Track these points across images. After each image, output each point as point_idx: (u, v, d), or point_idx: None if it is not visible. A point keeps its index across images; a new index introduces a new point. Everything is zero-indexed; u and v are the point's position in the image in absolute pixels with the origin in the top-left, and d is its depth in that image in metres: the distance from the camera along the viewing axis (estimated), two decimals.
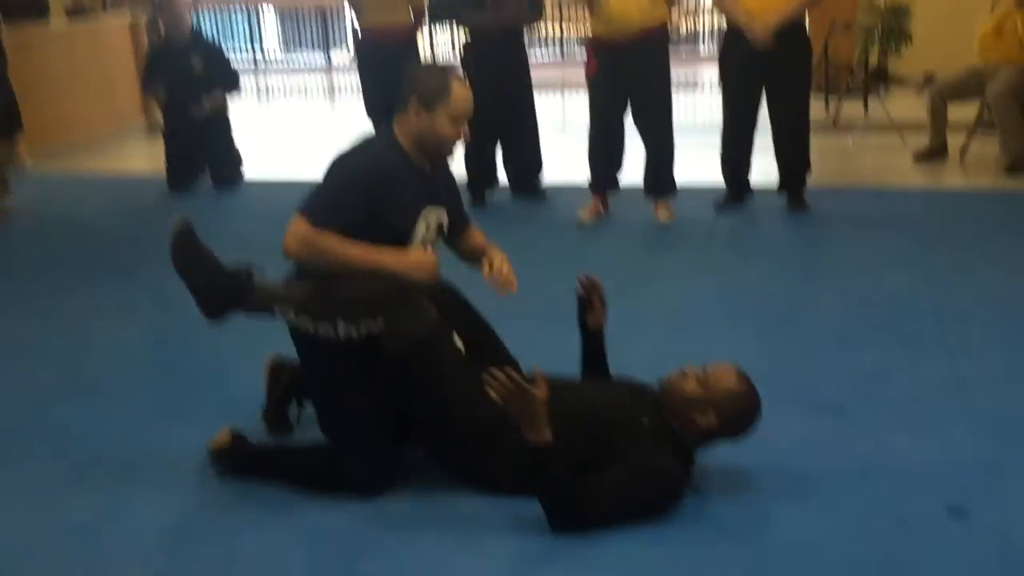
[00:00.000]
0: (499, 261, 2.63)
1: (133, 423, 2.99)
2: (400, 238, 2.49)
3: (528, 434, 2.25)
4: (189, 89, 5.94)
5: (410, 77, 2.54)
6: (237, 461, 2.64)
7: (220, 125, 6.15)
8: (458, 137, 2.54)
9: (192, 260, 2.55)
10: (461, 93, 2.50)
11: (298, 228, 2.40)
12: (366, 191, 2.43)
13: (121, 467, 2.72)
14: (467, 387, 2.44)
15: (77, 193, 6.28)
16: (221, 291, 2.53)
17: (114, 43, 7.95)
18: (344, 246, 2.40)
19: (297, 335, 2.53)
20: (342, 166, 2.50)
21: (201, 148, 6.13)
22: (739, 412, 2.41)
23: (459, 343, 2.53)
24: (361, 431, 2.51)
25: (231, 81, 6.16)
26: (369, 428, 2.52)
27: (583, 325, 2.79)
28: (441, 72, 2.53)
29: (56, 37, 7.44)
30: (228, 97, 6.15)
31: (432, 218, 2.59)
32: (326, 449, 2.58)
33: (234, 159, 6.27)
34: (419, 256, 2.49)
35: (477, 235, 2.77)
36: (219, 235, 5.05)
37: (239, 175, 6.27)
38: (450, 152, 2.63)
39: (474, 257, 2.73)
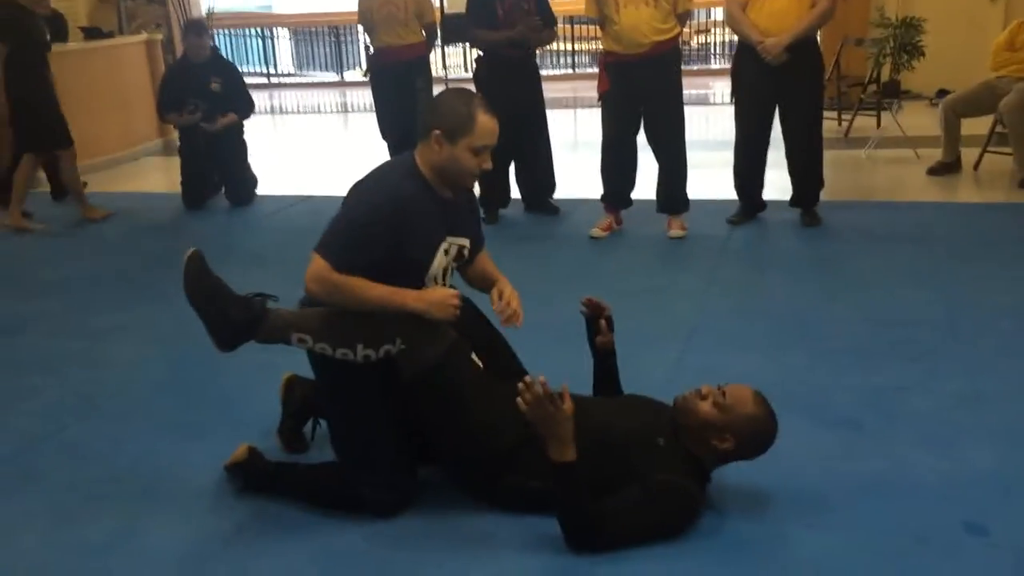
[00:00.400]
0: (508, 293, 2.61)
1: (150, 443, 3.00)
2: (417, 270, 2.48)
3: (553, 450, 2.25)
4: (206, 108, 6.02)
5: (434, 107, 2.49)
6: (252, 477, 2.64)
7: (235, 144, 6.23)
8: (480, 168, 2.50)
9: (205, 291, 2.53)
10: (486, 125, 2.44)
11: (319, 270, 2.38)
12: (384, 227, 2.40)
13: (138, 487, 2.73)
14: (487, 406, 2.44)
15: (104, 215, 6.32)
16: (234, 323, 2.51)
17: (130, 63, 8.04)
18: (365, 289, 2.38)
19: (314, 357, 2.54)
20: (360, 199, 2.47)
21: (216, 167, 6.20)
22: (757, 436, 2.40)
23: (477, 360, 2.53)
24: (376, 452, 2.51)
25: (246, 106, 6.26)
26: (384, 449, 2.52)
27: (592, 346, 2.78)
28: (466, 103, 2.45)
29: (73, 57, 7.51)
30: (242, 121, 6.24)
31: (453, 247, 2.58)
32: (341, 468, 2.58)
33: (249, 178, 6.35)
34: (440, 295, 2.44)
35: (487, 261, 2.75)
36: (234, 252, 5.14)
37: (253, 194, 6.33)
38: (471, 184, 2.61)
39: (482, 283, 2.72)
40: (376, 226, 2.40)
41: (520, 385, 2.26)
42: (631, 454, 2.37)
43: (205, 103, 6.03)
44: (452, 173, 2.49)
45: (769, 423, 2.40)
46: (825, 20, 4.87)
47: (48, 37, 5.81)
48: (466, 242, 2.64)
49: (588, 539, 2.29)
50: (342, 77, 13.74)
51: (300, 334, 2.46)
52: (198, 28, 6.14)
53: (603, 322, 2.75)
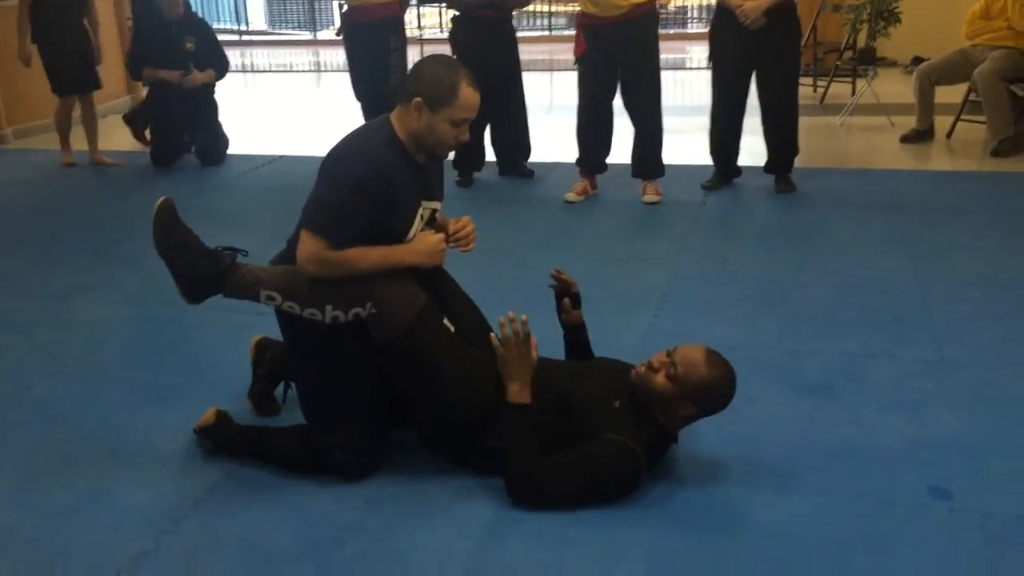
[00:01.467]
0: (466, 219, 2.61)
1: (118, 404, 2.97)
2: (397, 238, 2.46)
3: (512, 391, 2.36)
4: (181, 68, 5.92)
5: (417, 73, 2.44)
6: (221, 439, 2.63)
7: (207, 103, 6.13)
8: (457, 139, 2.47)
9: (174, 242, 2.52)
10: (468, 97, 2.40)
11: (314, 249, 2.36)
12: (371, 200, 2.37)
13: (106, 448, 2.71)
14: (459, 370, 2.44)
15: (60, 170, 6.23)
16: (203, 275, 2.50)
17: (102, 19, 7.84)
18: (362, 259, 2.38)
19: (282, 316, 2.52)
20: (341, 171, 2.40)
21: (187, 126, 6.11)
22: (717, 396, 2.40)
23: (449, 325, 2.52)
24: (345, 414, 2.50)
25: (221, 66, 6.15)
26: (353, 411, 2.51)
27: (560, 320, 2.78)
28: (450, 73, 2.40)
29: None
30: (218, 80, 6.14)
31: (427, 212, 2.56)
32: (310, 430, 2.57)
33: (220, 138, 6.27)
34: (429, 243, 2.47)
35: (440, 216, 2.75)
36: (204, 211, 5.08)
37: (224, 154, 6.25)
38: (446, 154, 2.58)
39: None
40: (363, 199, 2.36)
41: (502, 318, 2.39)
42: (586, 415, 2.39)
43: (179, 63, 5.91)
44: (429, 142, 2.46)
45: (725, 380, 2.39)
46: None
47: None
48: (438, 205, 2.62)
49: (530, 489, 2.32)
50: (315, 35, 13.54)
51: (268, 291, 2.45)
52: None
53: (567, 300, 2.75)
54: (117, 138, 6.78)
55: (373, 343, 2.42)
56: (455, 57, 5.32)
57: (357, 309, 2.38)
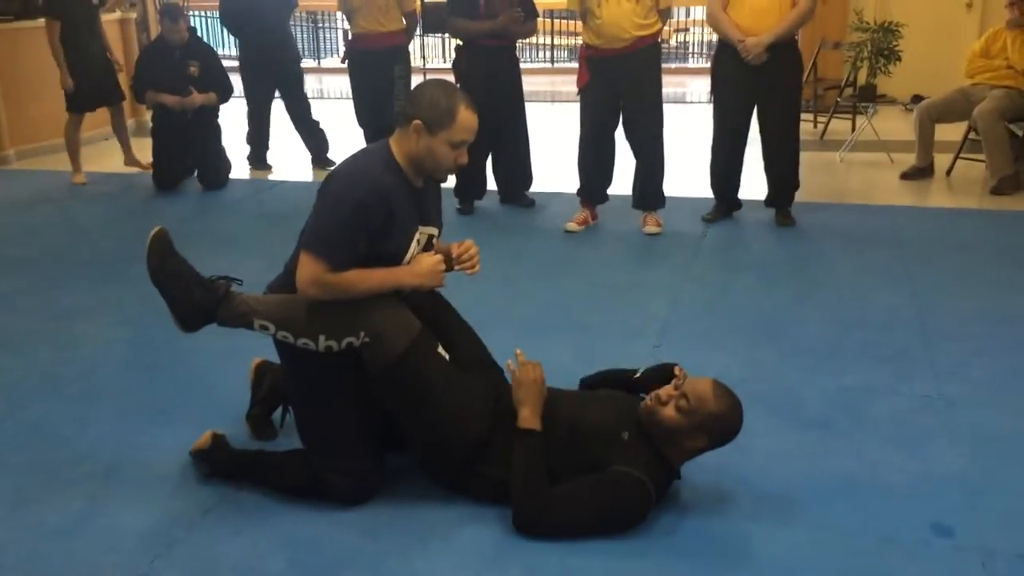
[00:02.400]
0: (469, 242, 2.61)
1: (115, 425, 2.96)
2: (393, 261, 2.46)
3: (523, 417, 2.37)
4: (184, 92, 5.95)
5: (416, 96, 2.44)
6: (217, 463, 2.62)
7: (209, 126, 6.16)
8: (456, 162, 2.47)
9: (168, 271, 2.52)
10: (466, 120, 2.41)
11: (313, 272, 2.36)
12: (369, 223, 2.37)
13: (102, 469, 2.69)
14: (455, 398, 2.43)
15: (64, 191, 6.24)
16: (197, 304, 2.51)
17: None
18: (361, 281, 2.38)
19: (279, 342, 2.51)
20: (341, 194, 2.40)
21: (189, 149, 6.13)
22: (726, 429, 2.40)
23: (443, 353, 2.50)
24: (342, 440, 2.49)
25: (224, 89, 6.18)
26: (350, 437, 2.49)
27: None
28: (448, 96, 2.41)
29: (44, 34, 7.39)
30: (220, 103, 6.18)
31: (423, 237, 2.56)
32: (307, 456, 2.55)
33: (222, 162, 6.28)
34: (427, 265, 2.46)
35: (440, 243, 2.75)
36: (206, 235, 5.09)
37: (227, 178, 6.26)
38: (445, 177, 2.57)
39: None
40: (361, 221, 2.36)
41: (518, 350, 2.47)
42: (594, 447, 2.38)
43: (183, 87, 5.95)
44: (428, 165, 2.46)
45: (735, 414, 2.40)
46: (805, 20, 4.89)
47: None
48: (435, 231, 2.62)
49: (536, 518, 2.30)
50: (319, 63, 13.63)
51: (262, 321, 2.46)
52: (173, 13, 6.04)
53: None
54: (118, 161, 6.79)
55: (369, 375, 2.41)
56: (458, 85, 5.39)
57: (350, 339, 2.37)
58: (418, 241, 2.53)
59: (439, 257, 2.51)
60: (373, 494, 2.50)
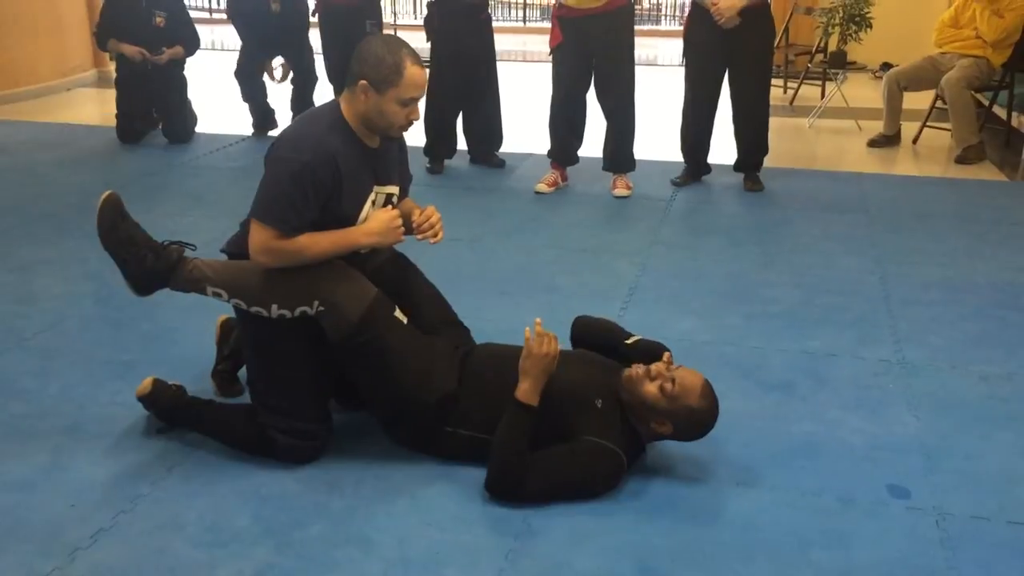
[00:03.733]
0: (430, 210, 2.58)
1: (78, 379, 2.93)
2: (346, 223, 2.43)
3: (525, 390, 2.33)
4: (149, 42, 5.82)
5: (360, 55, 2.37)
6: (161, 409, 2.61)
7: (175, 80, 6.04)
8: (408, 119, 2.43)
9: (119, 236, 2.49)
10: (414, 76, 2.35)
11: (263, 239, 2.33)
12: (317, 186, 2.34)
13: (64, 424, 2.67)
14: (416, 361, 2.43)
15: (24, 142, 6.11)
16: (149, 269, 2.48)
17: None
18: (313, 245, 2.35)
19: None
20: (286, 157, 2.36)
21: (154, 102, 6.02)
22: (695, 428, 2.41)
23: (401, 316, 2.47)
24: (293, 400, 2.48)
25: (192, 41, 6.06)
26: (301, 397, 2.49)
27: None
28: (394, 52, 2.35)
29: None
30: (188, 56, 6.06)
31: (380, 196, 2.53)
32: (257, 411, 2.53)
33: (188, 115, 6.17)
34: (382, 221, 2.43)
35: (408, 201, 2.73)
36: (170, 190, 5.02)
37: (192, 131, 6.17)
38: (398, 135, 2.53)
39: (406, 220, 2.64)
40: (308, 185, 2.33)
41: (537, 319, 2.40)
42: (567, 410, 2.38)
43: (149, 38, 5.81)
44: (380, 124, 2.42)
45: (710, 416, 2.40)
46: None
47: None
48: (395, 190, 2.60)
49: (512, 488, 2.31)
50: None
51: (215, 288, 2.44)
52: None
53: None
54: (85, 111, 6.67)
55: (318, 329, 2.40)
56: (428, 44, 5.33)
57: (304, 308, 2.36)
58: (373, 202, 2.50)
59: (394, 212, 2.47)
60: (319, 454, 2.50)
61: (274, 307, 2.37)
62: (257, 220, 2.35)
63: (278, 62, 6.11)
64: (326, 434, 2.54)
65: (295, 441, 2.47)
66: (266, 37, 5.96)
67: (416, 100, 2.41)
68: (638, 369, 2.41)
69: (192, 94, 6.23)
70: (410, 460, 2.50)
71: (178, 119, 6.08)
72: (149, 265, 2.48)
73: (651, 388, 2.36)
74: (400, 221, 2.46)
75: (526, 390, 2.34)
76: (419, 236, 2.58)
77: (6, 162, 5.64)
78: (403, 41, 2.46)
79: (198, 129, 6.25)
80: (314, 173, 2.33)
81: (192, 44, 6.07)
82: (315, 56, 6.14)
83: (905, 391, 2.93)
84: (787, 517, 2.30)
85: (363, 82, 2.36)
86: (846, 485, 2.43)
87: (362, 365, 2.43)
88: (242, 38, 6.16)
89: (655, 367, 2.40)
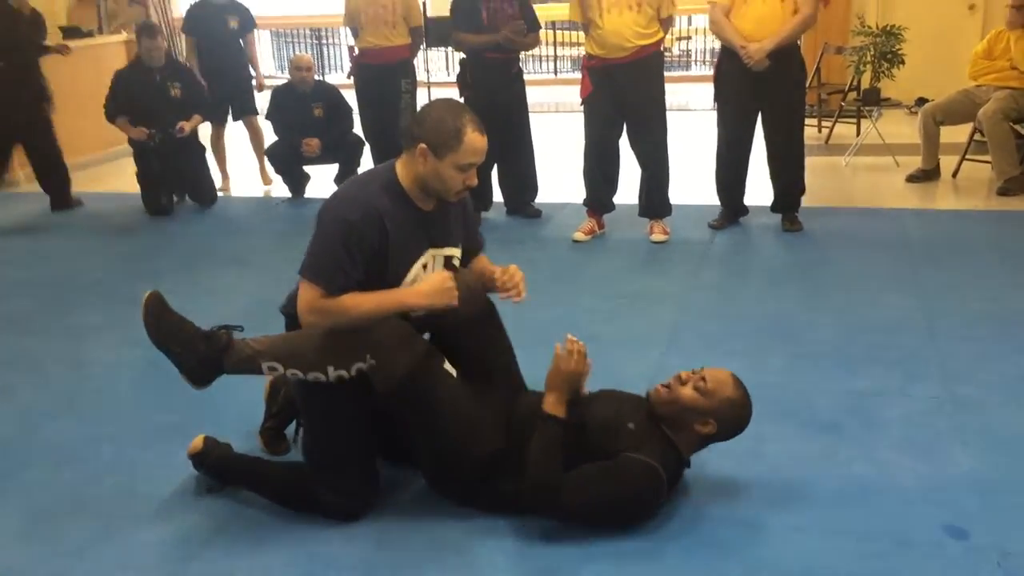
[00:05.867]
0: (513, 269, 2.59)
1: (127, 444, 2.97)
2: (392, 285, 2.44)
3: (552, 402, 2.38)
4: (168, 114, 5.95)
5: (421, 118, 2.41)
6: (211, 465, 2.65)
7: (192, 150, 6.16)
8: (465, 184, 2.43)
9: (168, 331, 2.53)
10: (474, 142, 2.37)
11: (310, 298, 2.34)
12: (364, 246, 2.35)
13: (115, 488, 2.71)
14: (464, 415, 2.43)
15: (69, 213, 6.28)
16: (203, 358, 2.51)
17: (110, 63, 7.95)
18: (360, 304, 2.34)
19: None
20: (335, 216, 2.38)
21: (174, 174, 6.11)
22: (736, 419, 2.45)
23: (451, 369, 2.47)
24: (343, 459, 2.48)
25: (205, 107, 6.20)
26: (352, 457, 2.49)
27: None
28: (455, 117, 2.36)
29: (53, 56, 7.44)
30: (206, 121, 6.22)
31: (437, 259, 2.54)
32: (306, 469, 2.55)
33: (207, 179, 6.26)
34: (434, 282, 2.40)
35: (483, 260, 2.74)
36: (212, 253, 5.11)
37: (214, 194, 6.25)
38: (455, 199, 2.51)
39: (482, 281, 2.67)
40: (354, 244, 2.34)
41: (569, 334, 2.46)
42: (603, 440, 2.39)
43: (165, 110, 5.94)
44: (436, 188, 2.43)
45: (747, 405, 2.46)
46: (807, 26, 4.90)
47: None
48: (455, 251, 2.60)
49: (550, 499, 2.30)
50: (323, 79, 13.67)
51: (269, 362, 2.45)
52: (151, 30, 6.05)
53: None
54: (125, 180, 6.82)
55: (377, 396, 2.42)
56: (462, 99, 5.41)
57: (359, 364, 2.35)
58: (424, 265, 2.50)
59: (446, 274, 2.44)
60: (366, 513, 2.50)
61: (330, 369, 2.36)
62: (304, 279, 2.37)
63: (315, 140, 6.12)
64: (374, 492, 2.54)
65: (341, 500, 2.48)
66: (308, 134, 6.06)
67: (475, 166, 2.42)
68: (662, 385, 2.45)
69: (232, 158, 6.35)
70: (457, 515, 2.49)
71: (199, 186, 6.18)
72: (202, 353, 2.50)
73: (687, 391, 2.40)
74: (452, 284, 2.41)
75: (552, 402, 2.39)
76: (502, 295, 2.59)
77: (55, 234, 5.79)
78: (464, 106, 2.49)
79: (236, 193, 6.36)
80: (361, 233, 2.34)
81: (207, 110, 6.19)
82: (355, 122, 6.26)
83: (956, 429, 2.87)
84: (843, 563, 2.25)
85: (422, 145, 2.36)
86: (901, 527, 2.38)
87: (410, 418, 2.43)
88: (279, 135, 6.26)
89: (683, 372, 2.46)
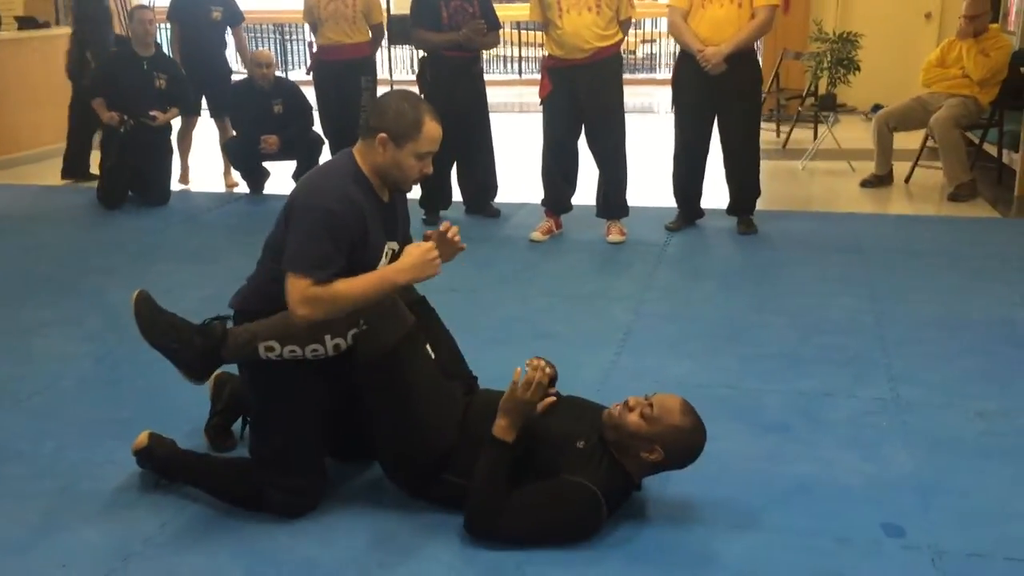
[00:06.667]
0: (446, 223, 2.53)
1: (72, 440, 2.93)
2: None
3: (502, 427, 2.33)
4: (151, 104, 5.89)
5: (380, 108, 2.43)
6: (157, 460, 2.62)
7: (158, 146, 6.08)
8: (421, 172, 2.47)
9: (162, 329, 2.51)
10: (432, 131, 2.41)
11: (303, 292, 2.31)
12: (347, 234, 2.36)
13: (58, 485, 2.67)
14: (434, 405, 2.43)
15: (25, 206, 6.18)
16: (199, 352, 2.49)
17: (65, 54, 7.86)
18: (350, 287, 2.33)
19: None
20: (312, 205, 2.37)
21: (130, 167, 5.98)
22: (684, 447, 2.40)
23: (431, 352, 2.50)
24: (292, 459, 2.48)
25: (187, 102, 6.17)
26: (300, 458, 2.49)
27: None
28: (413, 107, 2.41)
29: (6, 46, 7.35)
30: (183, 116, 6.16)
31: (390, 251, 2.56)
32: (251, 465, 2.54)
33: (163, 181, 6.14)
34: (416, 255, 2.39)
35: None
36: (168, 249, 5.06)
37: (167, 196, 6.11)
38: (410, 188, 2.57)
39: None
40: (338, 234, 2.35)
41: (535, 360, 2.41)
42: (547, 453, 2.38)
43: (151, 100, 5.90)
44: (394, 176, 2.46)
45: (696, 433, 2.40)
46: (763, 31, 4.96)
47: None
48: (397, 246, 2.61)
49: (488, 524, 2.31)
50: (286, 75, 13.58)
51: (267, 343, 2.42)
52: (145, 12, 6.03)
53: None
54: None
55: (335, 375, 2.41)
56: (422, 96, 5.40)
57: (354, 329, 2.37)
58: (386, 255, 2.53)
59: (429, 244, 2.43)
60: (311, 510, 2.49)
61: (327, 339, 2.37)
62: (291, 273, 2.34)
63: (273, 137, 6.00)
64: (320, 489, 2.53)
65: (287, 497, 2.46)
66: (267, 130, 5.97)
67: (431, 154, 2.46)
68: (616, 405, 2.43)
69: (193, 154, 6.28)
70: (404, 509, 2.49)
71: (155, 186, 6.05)
72: (198, 346, 2.49)
73: (632, 417, 2.37)
74: (435, 253, 2.41)
75: (503, 427, 2.35)
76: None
77: (7, 226, 5.69)
78: (420, 97, 2.52)
79: (195, 188, 6.30)
80: (343, 222, 2.35)
81: (188, 104, 6.18)
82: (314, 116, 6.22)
83: (900, 429, 2.92)
84: (783, 559, 2.28)
85: (382, 135, 2.39)
86: (842, 525, 2.41)
87: (383, 390, 2.41)
88: (238, 131, 6.19)
89: (631, 399, 2.41)
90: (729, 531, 2.40)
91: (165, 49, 6.44)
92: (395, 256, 2.57)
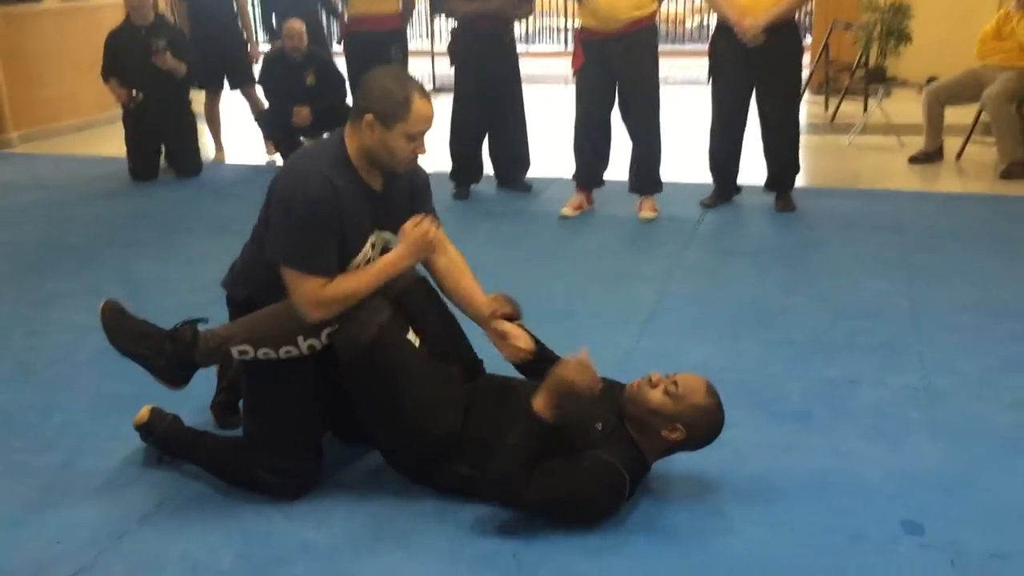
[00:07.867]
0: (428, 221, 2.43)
1: (80, 413, 2.93)
2: (344, 264, 2.37)
3: (544, 403, 2.23)
4: (153, 71, 5.85)
5: (366, 88, 2.32)
6: (158, 435, 2.61)
7: (178, 115, 6.07)
8: (414, 154, 2.36)
9: (131, 338, 2.46)
10: (422, 110, 2.29)
11: (312, 291, 2.26)
12: (328, 220, 2.28)
13: (60, 459, 2.66)
14: (424, 392, 2.36)
15: (60, 176, 6.24)
16: (172, 357, 2.44)
17: (109, 24, 7.88)
18: (360, 282, 2.30)
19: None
20: (291, 198, 2.29)
21: (156, 137, 6.03)
22: (705, 427, 2.34)
23: (413, 338, 2.42)
24: (284, 443, 2.43)
25: (190, 60, 6.04)
26: (293, 441, 2.44)
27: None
28: (401, 86, 2.29)
29: (49, 17, 7.39)
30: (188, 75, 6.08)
31: (379, 241, 2.46)
32: (244, 445, 2.50)
33: (191, 149, 6.16)
34: (412, 237, 2.34)
35: (457, 264, 2.62)
36: (200, 220, 5.05)
37: (198, 166, 6.15)
38: (403, 170, 2.43)
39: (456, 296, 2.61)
40: (321, 220, 2.27)
41: (585, 347, 2.31)
42: (565, 435, 2.29)
43: (153, 69, 5.86)
44: (384, 159, 2.35)
45: (718, 414, 2.35)
46: (803, 1, 4.76)
47: None
48: (391, 238, 2.50)
49: (513, 490, 2.22)
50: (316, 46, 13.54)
51: (239, 346, 2.37)
52: None
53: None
54: (114, 145, 6.77)
55: (322, 364, 2.36)
56: (453, 68, 5.31)
57: (327, 330, 2.31)
58: (373, 245, 2.44)
59: (425, 222, 2.36)
60: (306, 492, 2.45)
61: (300, 339, 2.32)
62: (290, 272, 2.28)
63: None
64: (313, 472, 2.48)
65: (279, 479, 2.42)
66: (299, 101, 5.91)
67: (423, 134, 2.35)
68: (638, 380, 2.37)
69: (231, 126, 6.25)
70: (403, 495, 2.43)
71: (183, 155, 6.07)
72: (168, 352, 2.43)
73: (655, 394, 2.31)
74: (432, 230, 2.37)
75: (539, 405, 2.24)
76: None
77: (40, 196, 5.74)
78: (408, 74, 2.41)
79: (231, 160, 6.29)
80: (322, 210, 2.28)
81: (192, 63, 6.03)
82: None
83: (929, 420, 2.78)
84: (793, 555, 2.18)
85: (369, 116, 2.29)
86: (858, 521, 2.30)
87: (368, 387, 2.35)
88: (270, 102, 6.15)
89: (654, 375, 2.36)
90: (736, 524, 2.31)
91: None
92: (386, 249, 2.49)
